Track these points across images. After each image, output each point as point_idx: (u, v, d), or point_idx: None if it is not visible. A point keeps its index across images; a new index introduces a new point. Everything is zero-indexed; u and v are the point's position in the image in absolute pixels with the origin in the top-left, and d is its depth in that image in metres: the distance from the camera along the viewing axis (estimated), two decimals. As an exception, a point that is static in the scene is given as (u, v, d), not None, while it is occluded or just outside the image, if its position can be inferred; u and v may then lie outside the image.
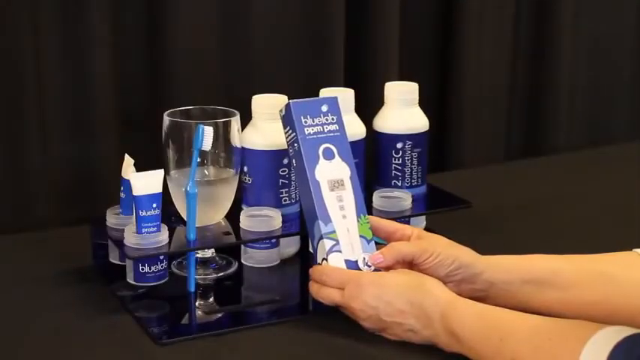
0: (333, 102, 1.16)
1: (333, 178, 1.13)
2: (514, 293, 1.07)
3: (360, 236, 1.12)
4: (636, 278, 1.04)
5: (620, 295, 1.03)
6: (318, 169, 1.13)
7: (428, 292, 1.03)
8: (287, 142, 1.16)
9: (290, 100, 1.15)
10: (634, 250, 1.07)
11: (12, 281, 1.23)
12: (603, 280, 1.05)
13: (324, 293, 1.09)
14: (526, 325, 0.96)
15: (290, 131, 1.15)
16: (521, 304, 1.05)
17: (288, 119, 1.15)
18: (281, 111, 1.16)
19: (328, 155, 1.14)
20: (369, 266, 1.10)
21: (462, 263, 1.08)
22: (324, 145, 1.14)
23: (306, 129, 1.14)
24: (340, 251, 1.10)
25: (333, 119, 1.15)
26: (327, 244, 1.11)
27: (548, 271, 1.07)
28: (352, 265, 1.10)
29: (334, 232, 1.11)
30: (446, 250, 1.09)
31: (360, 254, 1.11)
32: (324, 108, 1.15)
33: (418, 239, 1.12)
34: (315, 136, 1.14)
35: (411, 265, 1.09)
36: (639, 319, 1.00)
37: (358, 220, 1.12)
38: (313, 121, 1.14)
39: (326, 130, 1.15)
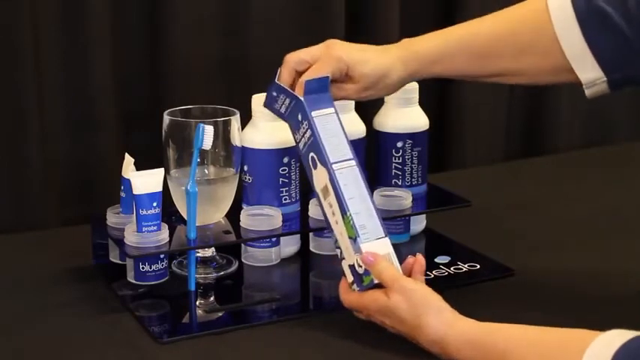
0: (300, 104, 1.12)
1: (321, 186, 1.10)
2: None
3: (349, 237, 1.07)
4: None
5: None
6: (314, 182, 1.12)
7: (422, 332, 1.01)
8: None
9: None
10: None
11: (12, 281, 1.22)
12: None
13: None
14: (524, 340, 0.94)
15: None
16: None
17: (291, 133, 1.15)
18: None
19: (314, 165, 1.11)
20: (361, 266, 1.06)
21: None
22: (310, 155, 1.11)
23: (299, 144, 1.13)
24: (344, 258, 1.09)
25: (306, 125, 1.11)
26: (338, 253, 1.10)
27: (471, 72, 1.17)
28: (353, 269, 1.07)
29: (337, 240, 1.10)
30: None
31: (353, 257, 1.07)
32: (299, 117, 1.12)
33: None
34: (305, 149, 1.12)
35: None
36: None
37: (344, 222, 1.08)
38: (299, 134, 1.12)
39: (307, 139, 1.12)
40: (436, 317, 1.01)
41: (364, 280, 1.06)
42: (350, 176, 1.09)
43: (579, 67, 1.07)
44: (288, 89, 1.14)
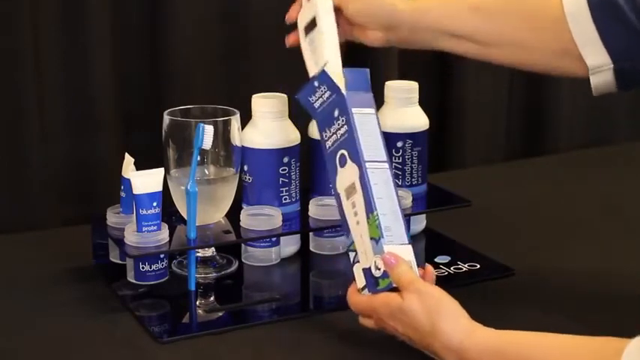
0: (341, 99, 1.10)
1: (347, 185, 1.08)
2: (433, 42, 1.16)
3: (371, 239, 1.05)
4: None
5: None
6: (337, 181, 1.09)
7: (436, 338, 0.97)
8: None
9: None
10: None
11: (12, 281, 1.22)
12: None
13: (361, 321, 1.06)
14: (551, 349, 0.91)
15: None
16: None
17: (318, 130, 1.13)
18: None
19: (342, 162, 1.09)
20: (379, 269, 1.03)
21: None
22: (339, 153, 1.09)
23: (326, 142, 1.11)
24: (359, 261, 1.06)
25: (343, 121, 1.09)
26: (351, 256, 1.07)
27: (469, 29, 1.13)
28: (367, 272, 1.04)
29: (353, 242, 1.07)
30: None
31: (371, 259, 1.04)
32: (336, 112, 1.10)
33: None
34: (333, 147, 1.10)
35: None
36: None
37: (367, 222, 1.05)
38: (330, 131, 1.11)
39: (339, 136, 1.10)
40: (453, 324, 0.96)
41: (380, 284, 1.03)
42: (381, 177, 1.07)
43: (586, 50, 1.06)
44: (335, 82, 1.11)
